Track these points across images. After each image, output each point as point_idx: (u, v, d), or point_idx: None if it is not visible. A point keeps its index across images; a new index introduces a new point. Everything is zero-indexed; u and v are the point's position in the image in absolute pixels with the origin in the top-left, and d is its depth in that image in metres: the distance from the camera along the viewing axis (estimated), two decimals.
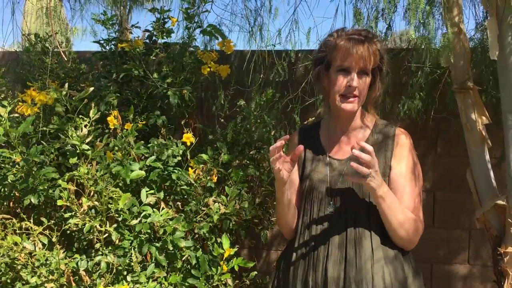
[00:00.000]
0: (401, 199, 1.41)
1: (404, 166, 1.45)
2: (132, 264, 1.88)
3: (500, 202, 2.20)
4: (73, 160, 2.02)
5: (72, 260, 1.93)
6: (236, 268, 1.98)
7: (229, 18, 2.67)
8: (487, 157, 2.30)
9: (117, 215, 1.96)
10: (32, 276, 1.86)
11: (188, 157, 2.20)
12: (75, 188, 1.95)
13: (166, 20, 2.52)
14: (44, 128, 2.17)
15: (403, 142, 1.48)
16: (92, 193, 1.98)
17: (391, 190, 1.39)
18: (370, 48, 1.41)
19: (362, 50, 1.39)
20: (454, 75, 2.29)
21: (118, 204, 1.90)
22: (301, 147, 1.34)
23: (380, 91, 1.50)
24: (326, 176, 1.50)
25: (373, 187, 1.32)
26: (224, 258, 1.95)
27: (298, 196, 1.57)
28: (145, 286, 1.88)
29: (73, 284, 1.87)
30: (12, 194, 2.14)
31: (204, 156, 2.19)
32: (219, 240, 2.13)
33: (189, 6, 2.45)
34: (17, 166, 2.04)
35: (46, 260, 1.89)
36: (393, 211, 1.37)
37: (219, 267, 1.94)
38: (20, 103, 2.18)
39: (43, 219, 1.95)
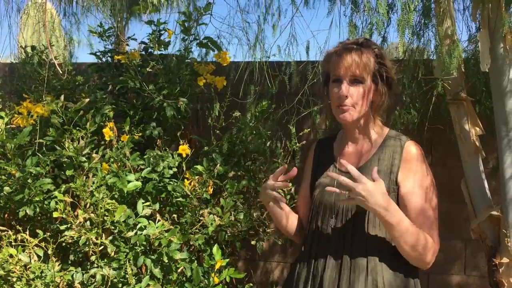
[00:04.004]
0: (409, 217, 1.37)
1: (412, 181, 1.40)
2: (127, 276, 1.87)
3: (494, 213, 2.20)
4: (69, 172, 2.03)
5: (67, 272, 1.93)
6: (228, 279, 1.97)
7: (227, 31, 2.69)
8: (481, 167, 2.31)
9: (113, 227, 1.96)
10: None
11: (184, 168, 2.20)
12: (71, 200, 1.95)
13: (162, 32, 2.54)
14: (40, 140, 2.17)
15: (410, 156, 1.42)
16: (88, 205, 1.98)
17: (401, 208, 1.36)
18: (361, 55, 1.38)
19: (351, 58, 1.37)
20: (447, 86, 2.31)
21: (114, 216, 1.90)
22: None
23: (385, 97, 1.44)
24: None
25: (368, 205, 1.29)
26: (215, 270, 1.94)
27: (306, 205, 1.59)
28: None
29: None
30: (7, 206, 2.13)
31: (200, 168, 2.19)
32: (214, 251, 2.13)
33: (185, 19, 2.47)
34: (12, 177, 2.03)
35: (41, 272, 1.88)
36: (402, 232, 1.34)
37: (211, 279, 1.94)
38: (16, 115, 2.18)
39: (39, 231, 1.94)
